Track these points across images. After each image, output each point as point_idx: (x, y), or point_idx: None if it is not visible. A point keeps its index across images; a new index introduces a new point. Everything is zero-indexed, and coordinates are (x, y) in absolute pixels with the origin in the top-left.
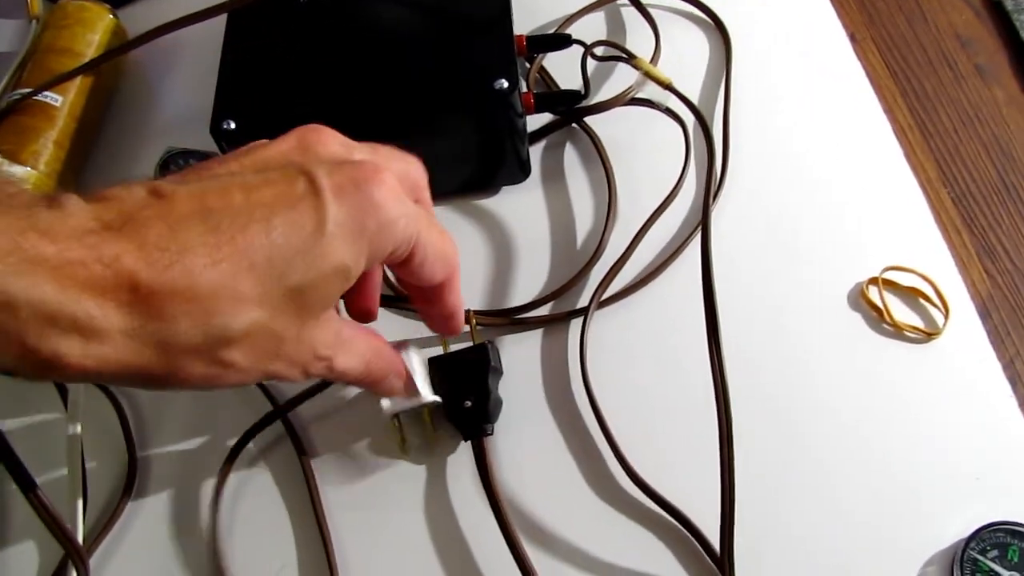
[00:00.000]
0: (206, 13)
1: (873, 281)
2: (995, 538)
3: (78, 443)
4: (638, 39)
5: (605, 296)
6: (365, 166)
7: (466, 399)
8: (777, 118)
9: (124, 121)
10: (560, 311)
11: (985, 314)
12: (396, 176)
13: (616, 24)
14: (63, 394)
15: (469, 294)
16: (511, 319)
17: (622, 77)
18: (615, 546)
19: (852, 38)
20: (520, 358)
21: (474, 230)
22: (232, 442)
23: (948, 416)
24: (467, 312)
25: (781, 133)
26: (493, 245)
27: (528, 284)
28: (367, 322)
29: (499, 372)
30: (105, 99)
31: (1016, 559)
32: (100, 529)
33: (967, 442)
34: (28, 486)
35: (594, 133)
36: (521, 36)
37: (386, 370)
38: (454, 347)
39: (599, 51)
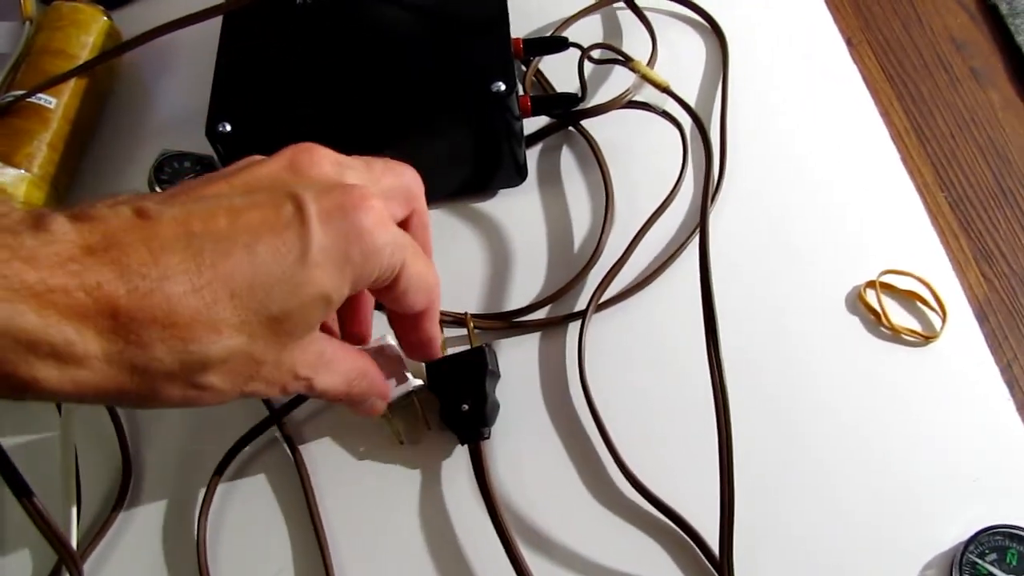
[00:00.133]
0: (201, 15)
1: (871, 284)
2: (994, 541)
3: (72, 448)
4: (635, 42)
5: (603, 299)
6: (353, 192)
7: (463, 402)
8: (774, 121)
9: (119, 123)
10: (558, 314)
11: (982, 317)
12: (388, 193)
13: (612, 27)
14: None
15: (466, 297)
16: (509, 322)
17: (619, 80)
18: (613, 550)
19: (848, 42)
20: (518, 361)
21: (471, 233)
22: (227, 448)
23: (946, 419)
24: (464, 315)
25: (778, 136)
26: (490, 248)
27: (525, 287)
28: (362, 330)
29: (496, 375)
30: (99, 101)
31: (1015, 562)
32: (94, 535)
33: (965, 445)
34: (22, 491)
35: (591, 136)
36: (518, 39)
37: (368, 392)
38: (451, 350)
39: (596, 54)
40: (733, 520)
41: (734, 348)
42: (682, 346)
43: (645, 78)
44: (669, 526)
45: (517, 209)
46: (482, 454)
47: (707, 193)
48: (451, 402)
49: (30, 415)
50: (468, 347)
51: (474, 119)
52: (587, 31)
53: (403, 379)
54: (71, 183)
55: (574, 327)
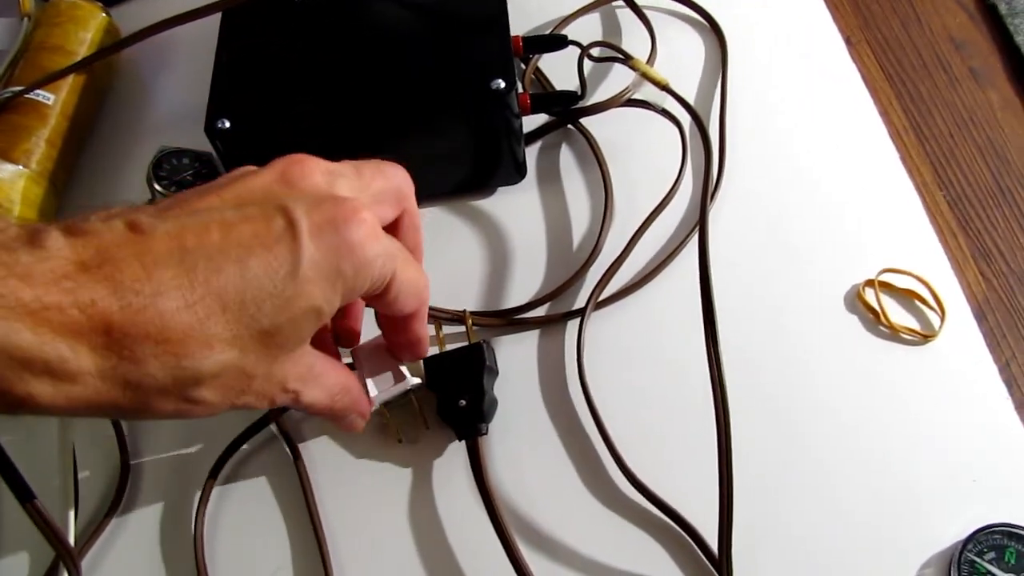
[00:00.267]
0: (200, 12)
1: (870, 283)
2: (992, 540)
3: (71, 447)
4: (634, 40)
5: (602, 297)
6: (344, 205)
7: (461, 398)
8: (773, 120)
9: (117, 120)
10: (557, 312)
11: (981, 316)
12: (378, 197)
13: (612, 25)
14: None
15: (465, 295)
16: (508, 320)
17: (618, 78)
18: (612, 548)
19: (848, 41)
20: (517, 359)
21: (470, 231)
22: (225, 446)
23: (945, 418)
24: (463, 313)
25: (777, 135)
26: (489, 246)
27: (524, 285)
28: (351, 342)
29: (494, 372)
30: (98, 98)
31: (1013, 561)
32: (91, 533)
33: (964, 444)
34: (21, 490)
35: (590, 134)
36: (517, 37)
37: (350, 408)
38: (450, 346)
39: (595, 52)
40: (732, 518)
41: (733, 346)
42: (681, 344)
43: (644, 76)
44: (668, 524)
45: (516, 207)
46: (479, 450)
47: (706, 191)
48: (449, 398)
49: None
50: (466, 343)
51: (473, 117)
52: (586, 29)
53: (400, 377)
54: (69, 179)
55: (573, 325)
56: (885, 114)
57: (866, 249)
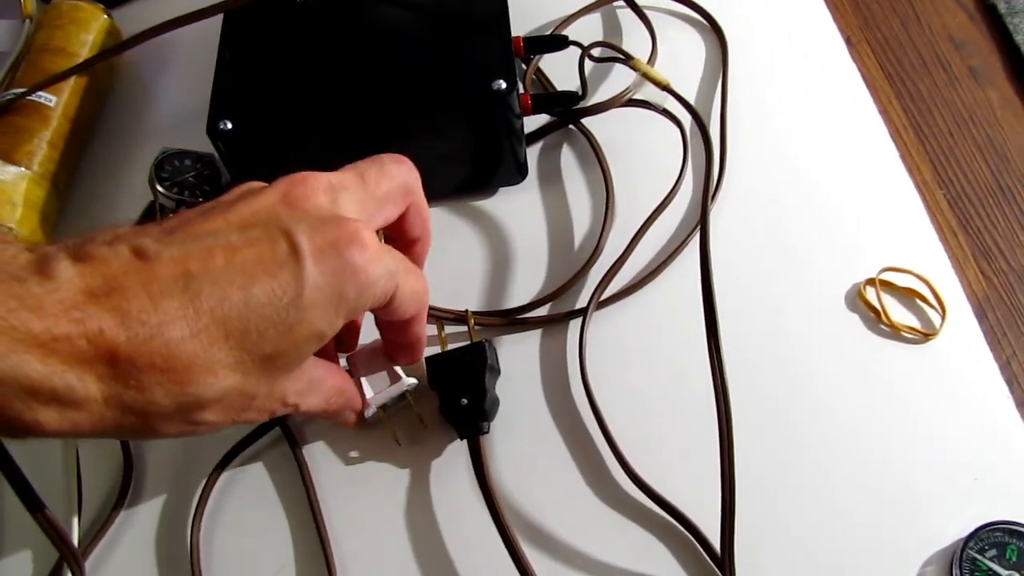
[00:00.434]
0: (202, 13)
1: (870, 282)
2: (993, 537)
3: (74, 446)
4: (635, 41)
5: (604, 296)
6: (347, 227)
7: (462, 397)
8: (774, 120)
9: (119, 121)
10: (559, 311)
11: (981, 315)
12: (384, 199)
13: (613, 26)
14: None
15: (467, 295)
16: (509, 319)
17: (619, 78)
18: (614, 547)
19: (848, 41)
20: (519, 358)
21: (472, 231)
22: (228, 446)
23: (946, 416)
24: (465, 312)
25: (778, 135)
26: (491, 246)
27: (526, 285)
28: (351, 347)
29: (496, 371)
30: (100, 99)
31: (1014, 558)
32: (95, 533)
33: (965, 442)
34: (24, 489)
35: (591, 134)
36: (518, 37)
37: (343, 407)
38: (452, 346)
39: (596, 52)
40: (734, 516)
41: (734, 345)
42: (683, 343)
43: (645, 76)
44: (671, 523)
45: (518, 207)
46: (481, 449)
47: (707, 191)
48: (451, 396)
49: None
50: (468, 343)
51: (475, 117)
52: (587, 29)
53: (396, 377)
54: (71, 181)
55: (575, 324)
56: (885, 113)
57: (866, 248)
